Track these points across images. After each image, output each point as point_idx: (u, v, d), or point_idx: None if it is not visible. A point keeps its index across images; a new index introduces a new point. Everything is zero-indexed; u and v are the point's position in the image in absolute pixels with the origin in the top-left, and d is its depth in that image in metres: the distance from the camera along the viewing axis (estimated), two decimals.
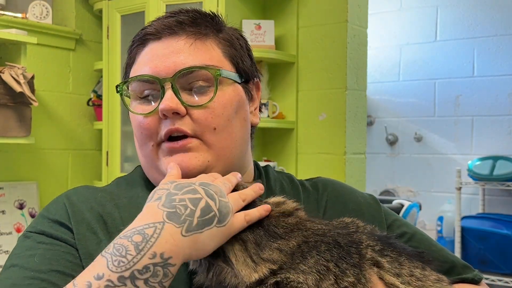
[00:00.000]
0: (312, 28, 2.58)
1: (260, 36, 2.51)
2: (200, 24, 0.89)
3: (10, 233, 2.46)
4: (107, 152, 2.69)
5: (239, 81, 0.91)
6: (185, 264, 0.79)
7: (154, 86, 0.87)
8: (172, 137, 0.86)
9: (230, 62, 0.90)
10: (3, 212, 2.46)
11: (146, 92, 0.88)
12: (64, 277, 0.77)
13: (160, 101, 0.84)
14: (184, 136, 0.85)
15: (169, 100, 0.83)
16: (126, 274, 0.64)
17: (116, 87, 0.92)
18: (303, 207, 0.82)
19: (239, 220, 0.74)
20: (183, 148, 0.85)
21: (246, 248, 0.72)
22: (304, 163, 2.58)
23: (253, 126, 0.97)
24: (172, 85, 0.84)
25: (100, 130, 2.77)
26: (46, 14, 2.64)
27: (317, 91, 2.56)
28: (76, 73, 2.80)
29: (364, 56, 2.60)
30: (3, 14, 2.44)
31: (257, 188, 0.81)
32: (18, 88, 2.22)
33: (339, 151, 2.48)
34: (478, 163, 3.42)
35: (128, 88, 0.91)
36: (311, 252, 0.71)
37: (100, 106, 2.75)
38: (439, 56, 3.76)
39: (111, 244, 0.67)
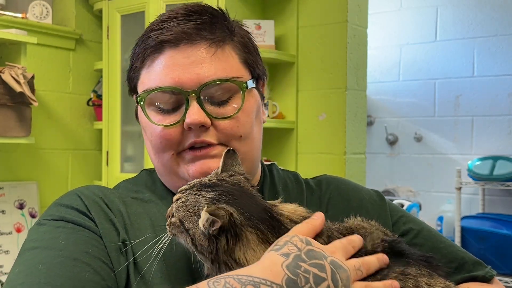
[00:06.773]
0: (312, 28, 2.58)
1: (260, 36, 2.51)
2: (217, 28, 0.88)
3: (10, 233, 2.45)
4: (107, 152, 2.69)
5: (255, 86, 0.92)
6: (188, 262, 0.79)
7: (176, 98, 0.86)
8: (194, 146, 0.86)
9: (247, 68, 0.91)
10: (3, 212, 2.46)
11: (164, 103, 0.87)
12: (94, 259, 0.75)
13: (185, 113, 0.84)
14: (207, 144, 0.85)
15: (196, 114, 0.83)
16: None
17: (136, 97, 0.91)
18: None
19: None
20: (206, 155, 0.85)
21: None
22: (304, 163, 2.58)
23: None
24: (197, 98, 0.84)
25: (100, 130, 2.77)
26: (46, 14, 2.64)
27: (317, 91, 2.56)
28: (76, 73, 2.80)
29: (364, 56, 2.60)
30: (3, 14, 2.44)
31: (382, 259, 0.76)
32: (18, 88, 2.22)
33: (339, 151, 2.48)
34: (478, 163, 3.42)
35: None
36: None
37: (100, 106, 2.74)
38: (439, 56, 3.75)
39: (222, 279, 0.65)
